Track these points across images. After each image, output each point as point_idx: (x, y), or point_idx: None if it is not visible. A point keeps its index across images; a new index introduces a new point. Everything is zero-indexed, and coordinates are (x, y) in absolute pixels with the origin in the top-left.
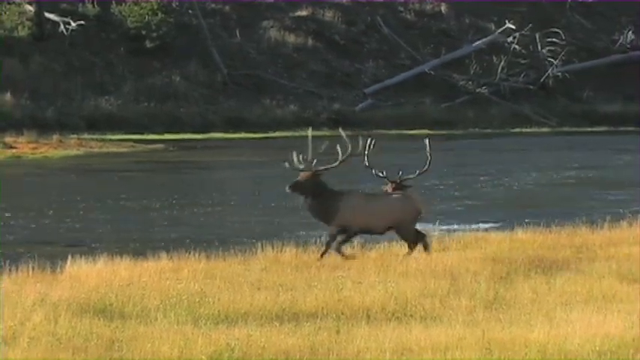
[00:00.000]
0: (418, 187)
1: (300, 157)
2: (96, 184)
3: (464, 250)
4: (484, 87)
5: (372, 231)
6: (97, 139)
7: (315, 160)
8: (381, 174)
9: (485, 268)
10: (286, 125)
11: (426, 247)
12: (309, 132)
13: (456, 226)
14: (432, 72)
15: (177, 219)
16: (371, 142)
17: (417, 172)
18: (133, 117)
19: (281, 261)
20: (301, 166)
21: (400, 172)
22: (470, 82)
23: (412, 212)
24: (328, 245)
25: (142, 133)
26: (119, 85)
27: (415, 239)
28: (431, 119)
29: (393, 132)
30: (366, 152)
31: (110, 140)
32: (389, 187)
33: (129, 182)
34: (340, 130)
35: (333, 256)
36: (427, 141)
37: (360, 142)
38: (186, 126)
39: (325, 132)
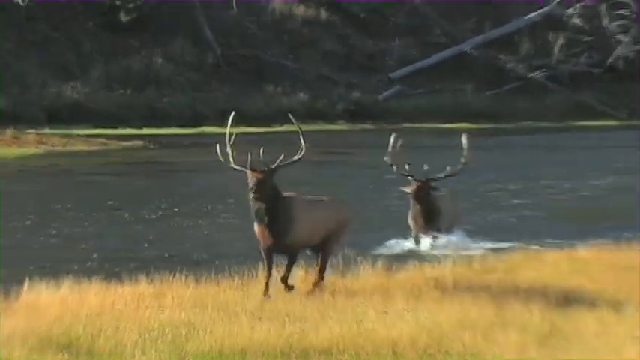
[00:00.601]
0: (458, 192)
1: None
2: (59, 190)
3: (513, 271)
4: (538, 71)
5: (308, 246)
6: (60, 135)
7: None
8: (404, 172)
9: (539, 294)
10: (294, 117)
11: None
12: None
13: (503, 242)
14: (474, 52)
15: (159, 233)
16: (396, 141)
17: (448, 169)
18: (105, 108)
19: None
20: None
21: (425, 168)
22: (520, 65)
23: (345, 223)
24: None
25: (115, 128)
26: (87, 69)
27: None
28: (473, 110)
29: (426, 126)
30: (390, 150)
31: (77, 136)
32: (412, 188)
33: (99, 188)
34: (293, 119)
35: (351, 280)
36: (465, 137)
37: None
38: (170, 119)
39: (342, 126)
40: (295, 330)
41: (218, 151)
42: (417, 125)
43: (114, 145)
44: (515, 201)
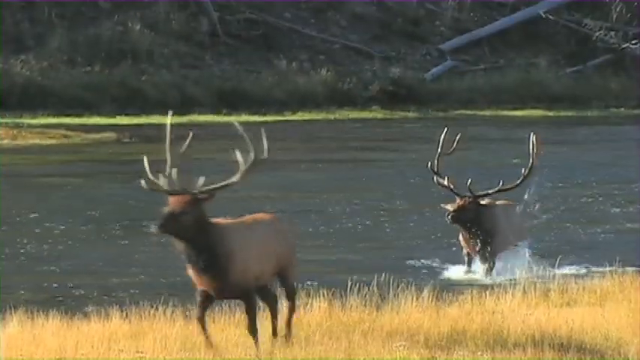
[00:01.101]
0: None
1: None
2: (5, 197)
3: (602, 304)
4: (635, 41)
5: (260, 284)
6: (7, 125)
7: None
8: (445, 183)
9: (636, 332)
10: (314, 102)
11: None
12: (169, 118)
13: (590, 265)
14: (550, 16)
15: (137, 254)
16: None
17: (502, 183)
18: (66, 89)
19: (305, 322)
20: (167, 186)
21: (469, 182)
22: (612, 33)
23: (293, 243)
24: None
25: (80, 115)
26: (43, 38)
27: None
28: (548, 92)
29: (487, 113)
30: (439, 150)
31: (29, 126)
32: (456, 205)
33: (59, 195)
34: (236, 123)
35: (388, 315)
36: (532, 138)
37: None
38: (152, 104)
39: (377, 113)
40: None
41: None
42: (474, 112)
43: (78, 137)
44: (606, 210)
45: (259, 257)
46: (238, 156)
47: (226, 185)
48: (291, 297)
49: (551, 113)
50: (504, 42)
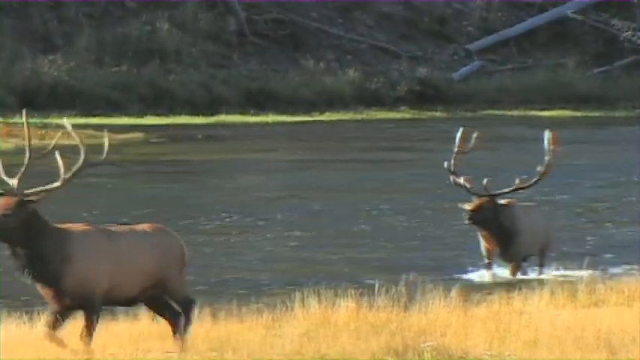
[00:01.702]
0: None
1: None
2: None
3: (630, 304)
4: None
5: (122, 297)
6: (35, 125)
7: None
8: (462, 182)
9: None
10: (341, 102)
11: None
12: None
13: (617, 266)
14: (578, 16)
15: None
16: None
17: (517, 181)
18: (94, 89)
19: (332, 321)
20: None
21: (485, 181)
22: (638, 34)
23: (179, 257)
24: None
25: (108, 115)
26: (71, 38)
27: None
28: (576, 92)
29: (515, 113)
30: (456, 149)
31: (57, 126)
32: (473, 205)
33: (86, 195)
34: (65, 121)
35: (417, 316)
36: (547, 135)
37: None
38: (179, 103)
39: (404, 113)
40: None
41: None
42: (502, 112)
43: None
44: (634, 210)
45: (114, 269)
46: (58, 159)
47: (50, 190)
48: (181, 310)
49: (578, 113)
50: (532, 42)
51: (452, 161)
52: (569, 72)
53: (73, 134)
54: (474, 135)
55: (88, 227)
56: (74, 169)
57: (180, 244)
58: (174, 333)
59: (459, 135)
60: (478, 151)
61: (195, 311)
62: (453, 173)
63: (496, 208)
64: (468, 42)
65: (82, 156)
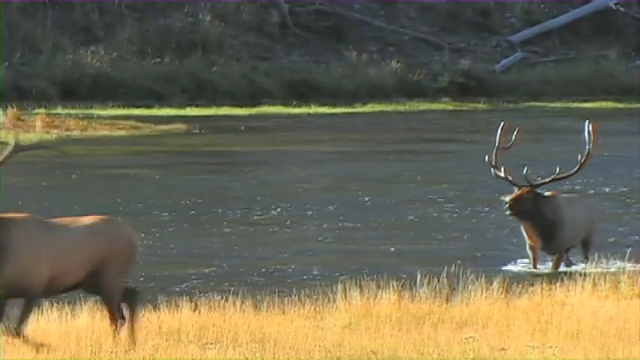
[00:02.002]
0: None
1: None
2: (74, 188)
3: None
4: None
5: (62, 286)
6: (77, 116)
7: None
8: (502, 174)
9: None
10: (384, 93)
11: (132, 315)
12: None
13: None
14: (621, 8)
15: (206, 245)
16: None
17: (558, 170)
18: (136, 80)
19: (374, 313)
20: None
21: (526, 171)
22: None
23: (124, 248)
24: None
25: (150, 106)
26: (113, 29)
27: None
28: (619, 84)
29: (557, 105)
30: (497, 144)
31: (99, 117)
32: (513, 195)
33: (129, 186)
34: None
35: (458, 307)
36: (587, 126)
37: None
38: (221, 95)
39: (446, 104)
40: None
41: None
42: (543, 104)
43: (148, 129)
44: None
45: (53, 258)
46: None
47: None
48: (109, 305)
49: (621, 105)
50: (575, 34)
51: (493, 156)
52: (612, 63)
53: (4, 120)
54: (515, 130)
55: (27, 216)
56: (5, 153)
57: (129, 237)
58: (132, 322)
59: (499, 129)
60: (520, 143)
61: (139, 304)
62: (494, 167)
63: (537, 198)
64: (510, 33)
65: (13, 141)
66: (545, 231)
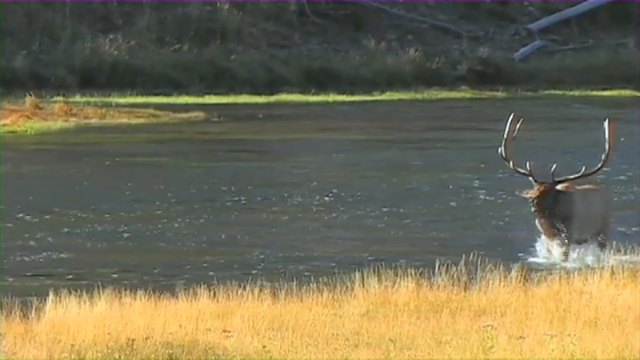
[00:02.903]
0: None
1: None
2: (92, 176)
3: None
4: None
5: None
6: (95, 104)
7: None
8: (521, 169)
9: None
10: (402, 81)
11: None
12: None
13: None
14: None
15: (224, 233)
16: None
17: (584, 169)
18: (155, 68)
19: (393, 301)
20: None
21: (553, 168)
22: None
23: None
24: None
25: (168, 95)
26: (131, 17)
27: None
28: (637, 72)
29: (576, 93)
30: (505, 137)
31: (117, 105)
32: (534, 192)
33: (147, 174)
34: None
35: (476, 295)
36: (605, 125)
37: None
38: (240, 83)
39: (465, 92)
40: None
41: None
42: (562, 92)
43: (167, 117)
44: None
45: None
46: None
47: None
48: None
49: (639, 93)
50: (593, 22)
51: (503, 148)
52: (630, 52)
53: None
54: (520, 121)
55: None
56: None
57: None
58: None
59: (509, 121)
60: (540, 131)
61: None
62: (505, 159)
63: (557, 195)
64: (529, 22)
65: None
66: (558, 224)
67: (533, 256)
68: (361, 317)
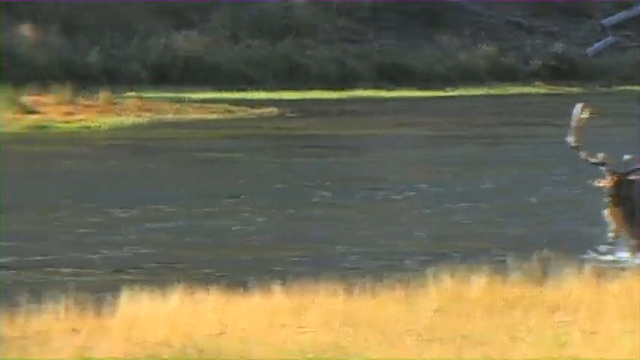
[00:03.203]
0: None
1: None
2: (166, 172)
3: None
4: None
5: None
6: (169, 100)
7: None
8: (595, 160)
9: None
10: (475, 77)
11: None
12: None
13: None
14: None
15: (298, 229)
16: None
17: None
18: (229, 64)
19: (466, 297)
20: None
21: (626, 158)
22: None
23: None
24: None
25: (243, 90)
26: (206, 13)
27: None
28: None
29: None
30: (573, 125)
31: (192, 101)
32: (608, 182)
33: (221, 170)
34: None
35: (550, 290)
36: None
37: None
38: (314, 78)
39: (539, 88)
40: (475, 356)
41: None
42: (636, 87)
43: (241, 112)
44: None
45: None
46: None
47: None
48: None
49: None
50: None
51: (572, 138)
52: None
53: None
54: (589, 109)
55: None
56: None
57: None
58: None
59: (576, 111)
60: (613, 127)
61: None
62: (577, 149)
63: (629, 184)
64: (602, 17)
65: None
66: (626, 216)
67: (607, 252)
68: (434, 313)
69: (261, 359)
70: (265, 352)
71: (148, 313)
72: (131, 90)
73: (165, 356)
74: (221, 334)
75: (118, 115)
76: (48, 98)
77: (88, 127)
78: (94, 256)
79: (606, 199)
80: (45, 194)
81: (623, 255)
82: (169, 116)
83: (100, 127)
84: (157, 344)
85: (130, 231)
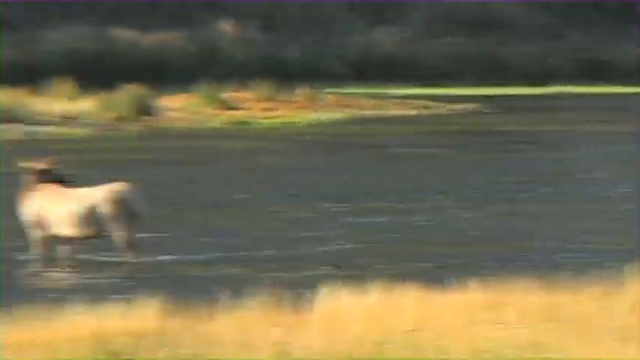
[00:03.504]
0: None
1: None
2: (365, 167)
3: None
4: None
5: None
6: (369, 95)
7: None
8: None
9: None
10: None
11: None
12: None
13: None
14: None
15: (502, 224)
16: None
17: None
18: (428, 60)
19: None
20: None
21: None
22: None
23: None
24: None
25: (443, 86)
26: (405, 10)
27: None
28: None
29: None
30: None
31: (391, 97)
32: None
33: (422, 165)
34: None
35: None
36: None
37: None
38: (514, 74)
39: None
40: None
41: None
42: None
43: (440, 108)
44: None
45: None
46: None
47: None
48: None
49: None
50: None
51: None
52: None
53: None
54: None
55: None
56: None
57: None
58: None
59: None
60: None
61: None
62: None
63: None
64: None
65: None
66: None
67: None
68: (628, 312)
69: (458, 356)
70: (462, 349)
71: (346, 308)
72: (330, 86)
73: (362, 352)
74: (414, 330)
75: (317, 110)
76: (247, 94)
77: (288, 124)
78: (297, 252)
79: None
80: (247, 191)
81: None
82: (368, 112)
83: (299, 122)
84: (354, 339)
85: (334, 227)
